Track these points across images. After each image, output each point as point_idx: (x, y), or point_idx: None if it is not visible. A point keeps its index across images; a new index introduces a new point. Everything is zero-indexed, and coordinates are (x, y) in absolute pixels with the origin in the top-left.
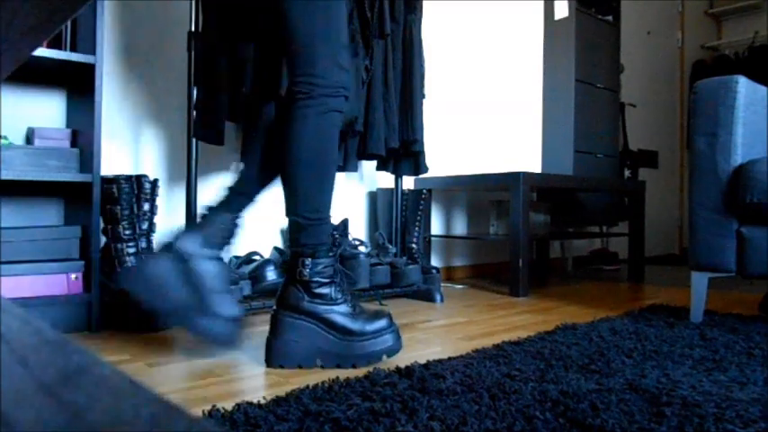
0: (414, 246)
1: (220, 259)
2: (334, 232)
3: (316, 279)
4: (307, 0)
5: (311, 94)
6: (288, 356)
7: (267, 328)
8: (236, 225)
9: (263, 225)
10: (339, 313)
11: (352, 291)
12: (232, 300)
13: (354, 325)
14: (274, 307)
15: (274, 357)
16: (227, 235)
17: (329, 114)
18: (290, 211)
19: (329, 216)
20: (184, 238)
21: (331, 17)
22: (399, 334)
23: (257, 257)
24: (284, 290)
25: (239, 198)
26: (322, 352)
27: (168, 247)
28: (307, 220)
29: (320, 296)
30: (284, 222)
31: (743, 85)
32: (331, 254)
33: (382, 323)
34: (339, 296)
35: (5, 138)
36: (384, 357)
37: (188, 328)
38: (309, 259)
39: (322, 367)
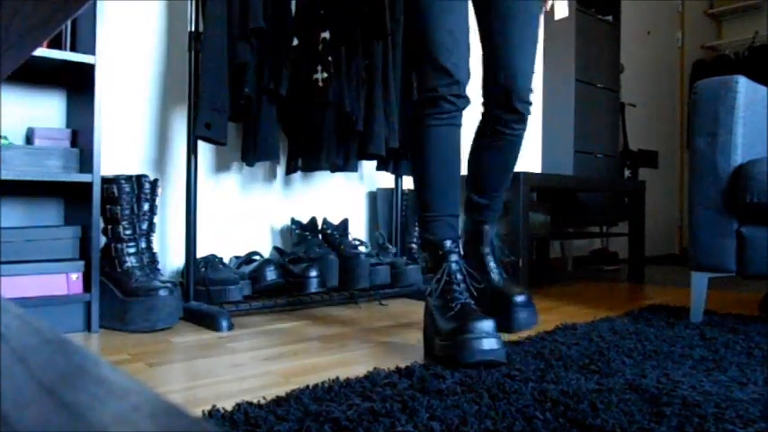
0: (414, 246)
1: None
2: (334, 232)
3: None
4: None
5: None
6: None
7: (267, 328)
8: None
9: (263, 225)
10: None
11: (353, 290)
12: (520, 287)
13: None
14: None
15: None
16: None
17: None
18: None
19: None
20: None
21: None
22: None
23: (257, 257)
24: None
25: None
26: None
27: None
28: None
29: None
30: (284, 222)
31: (743, 85)
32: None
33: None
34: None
35: (5, 138)
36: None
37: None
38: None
39: None
